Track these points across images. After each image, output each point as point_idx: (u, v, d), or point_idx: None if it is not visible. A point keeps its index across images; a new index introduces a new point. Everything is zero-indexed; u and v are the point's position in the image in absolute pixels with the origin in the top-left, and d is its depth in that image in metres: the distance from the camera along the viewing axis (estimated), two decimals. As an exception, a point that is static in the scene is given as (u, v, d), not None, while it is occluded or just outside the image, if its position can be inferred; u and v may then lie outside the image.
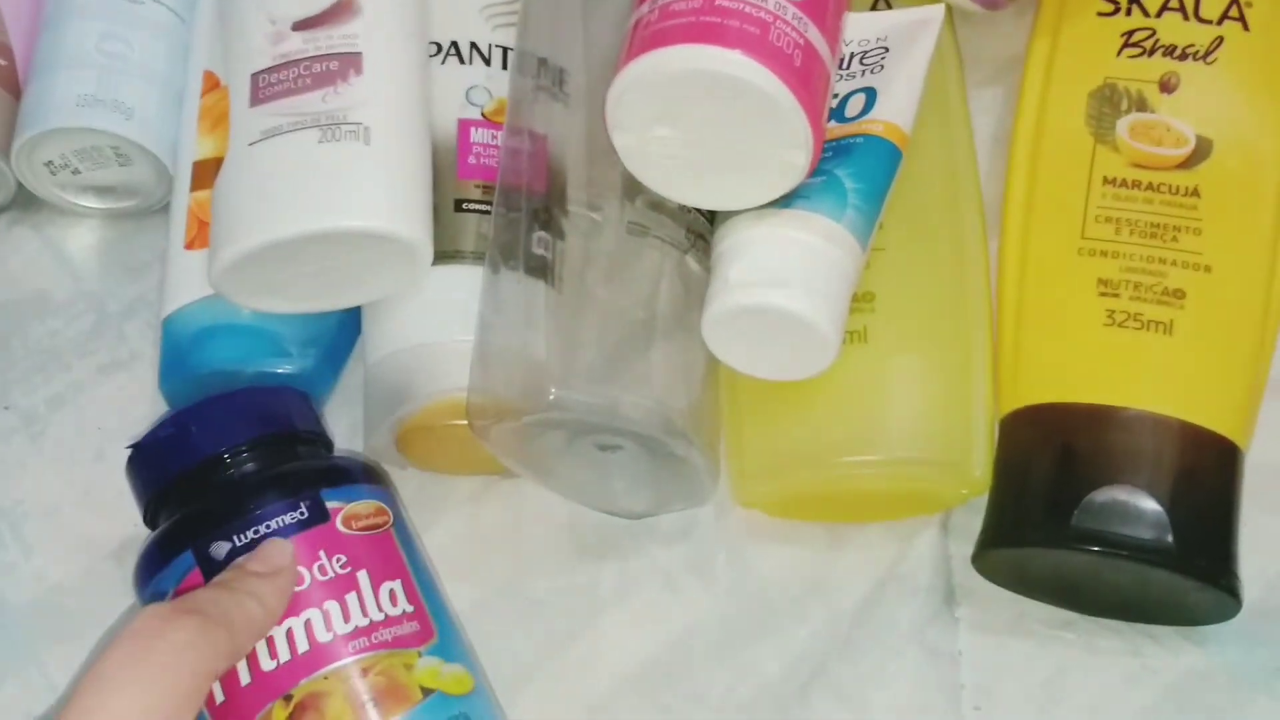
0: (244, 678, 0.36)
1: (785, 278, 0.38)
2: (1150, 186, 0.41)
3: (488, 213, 0.42)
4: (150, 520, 0.40)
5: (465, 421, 0.40)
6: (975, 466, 0.40)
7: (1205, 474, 0.39)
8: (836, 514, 0.43)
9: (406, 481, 0.43)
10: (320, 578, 0.37)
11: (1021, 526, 0.39)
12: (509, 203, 0.41)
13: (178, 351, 0.43)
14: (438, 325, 0.41)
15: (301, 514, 0.38)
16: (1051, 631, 0.41)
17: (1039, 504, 0.39)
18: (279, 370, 0.43)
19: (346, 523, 0.38)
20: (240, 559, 0.37)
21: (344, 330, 0.45)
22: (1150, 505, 0.38)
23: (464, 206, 0.42)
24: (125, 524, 0.44)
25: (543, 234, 0.40)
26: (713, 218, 0.41)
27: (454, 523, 0.42)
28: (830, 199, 0.38)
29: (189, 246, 0.44)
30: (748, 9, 0.35)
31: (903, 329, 0.40)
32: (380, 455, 0.43)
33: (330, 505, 0.38)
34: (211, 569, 0.37)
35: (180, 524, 0.38)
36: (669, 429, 0.38)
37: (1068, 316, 0.40)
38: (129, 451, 0.40)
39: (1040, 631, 0.41)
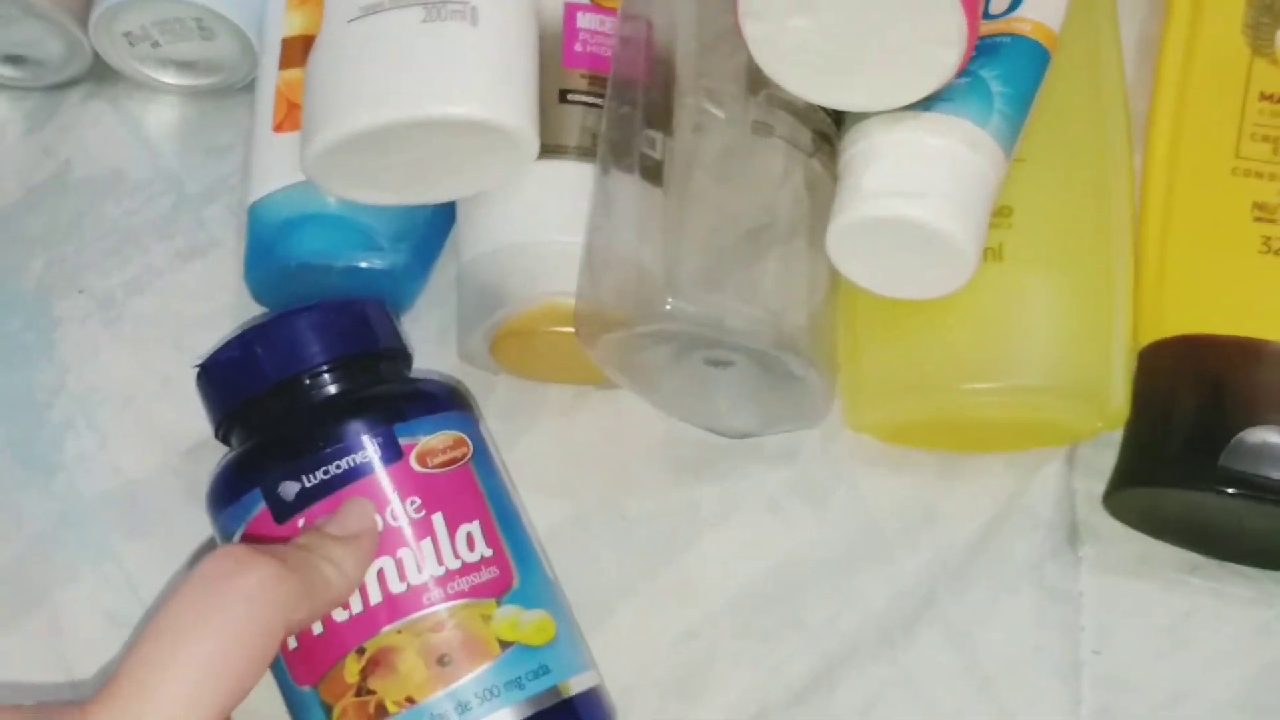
0: (316, 627, 0.35)
1: (924, 187, 0.35)
2: (1313, 104, 0.39)
3: (594, 105, 0.39)
4: (223, 436, 0.39)
5: (567, 328, 0.38)
6: (1112, 398, 0.38)
7: (1365, 417, 0.36)
8: (954, 443, 0.40)
9: (496, 388, 0.42)
10: (393, 523, 0.35)
11: (1163, 465, 0.37)
12: (622, 97, 0.38)
13: (264, 240, 0.41)
14: (539, 224, 0.39)
15: (373, 453, 0.36)
16: (1179, 575, 0.39)
17: (1182, 442, 0.37)
18: (369, 265, 0.41)
19: (421, 460, 0.36)
20: (320, 522, 0.35)
21: (437, 225, 0.43)
22: (1306, 448, 0.35)
23: (569, 98, 0.40)
24: (202, 417, 0.42)
25: (657, 134, 0.37)
26: (840, 119, 0.38)
27: (546, 434, 0.40)
28: (975, 102, 0.36)
29: (277, 129, 0.42)
30: (908, -114, 0.32)
31: (1040, 248, 0.38)
32: (473, 359, 0.41)
33: (404, 442, 0.36)
34: (281, 509, 0.35)
35: (249, 457, 0.37)
36: (786, 344, 0.36)
37: (1219, 242, 0.38)
38: (195, 370, 0.39)
39: (1167, 575, 0.39)
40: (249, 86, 0.45)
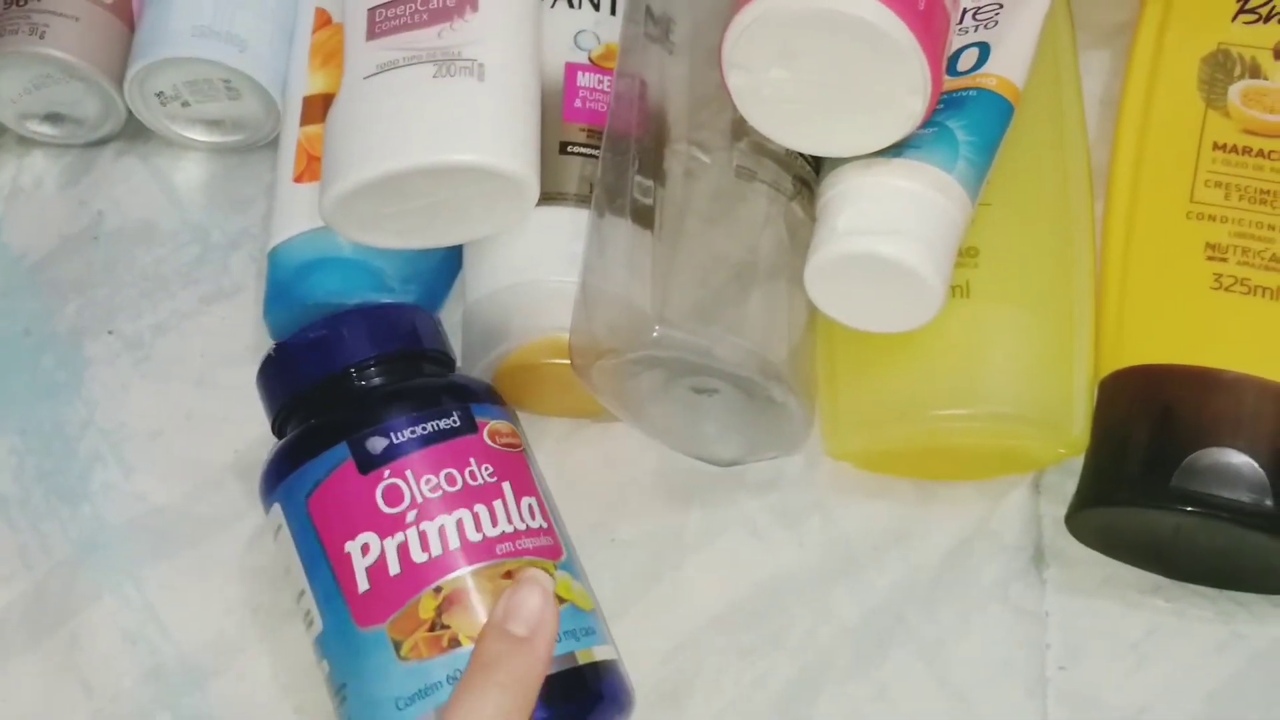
0: (393, 568, 0.37)
1: (894, 227, 0.38)
2: (1261, 153, 0.41)
3: (592, 156, 0.42)
4: (279, 427, 0.41)
5: (563, 360, 0.41)
6: (1074, 425, 0.40)
7: (1309, 440, 0.38)
8: (928, 471, 0.43)
9: (500, 419, 0.44)
10: (471, 483, 0.38)
11: (1119, 486, 0.39)
12: (616, 148, 0.41)
13: (283, 282, 0.44)
14: (539, 264, 0.42)
15: (454, 421, 0.39)
16: (1141, 596, 0.41)
17: (1138, 464, 0.39)
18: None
19: (492, 437, 0.39)
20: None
21: (445, 268, 0.45)
22: (1251, 468, 0.37)
23: (569, 149, 0.43)
24: (225, 450, 0.45)
25: (647, 181, 0.40)
26: (819, 166, 0.41)
27: (544, 461, 0.42)
28: (942, 149, 0.38)
29: (298, 180, 0.45)
30: (873, -48, 0.35)
31: (1005, 285, 0.40)
32: (476, 392, 0.44)
33: (479, 419, 0.39)
34: (368, 463, 0.38)
35: (331, 421, 0.39)
36: (767, 371, 0.39)
37: (1174, 279, 0.40)
38: (270, 351, 0.41)
39: (1129, 595, 0.41)
40: (272, 143, 0.47)
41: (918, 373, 0.40)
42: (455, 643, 0.36)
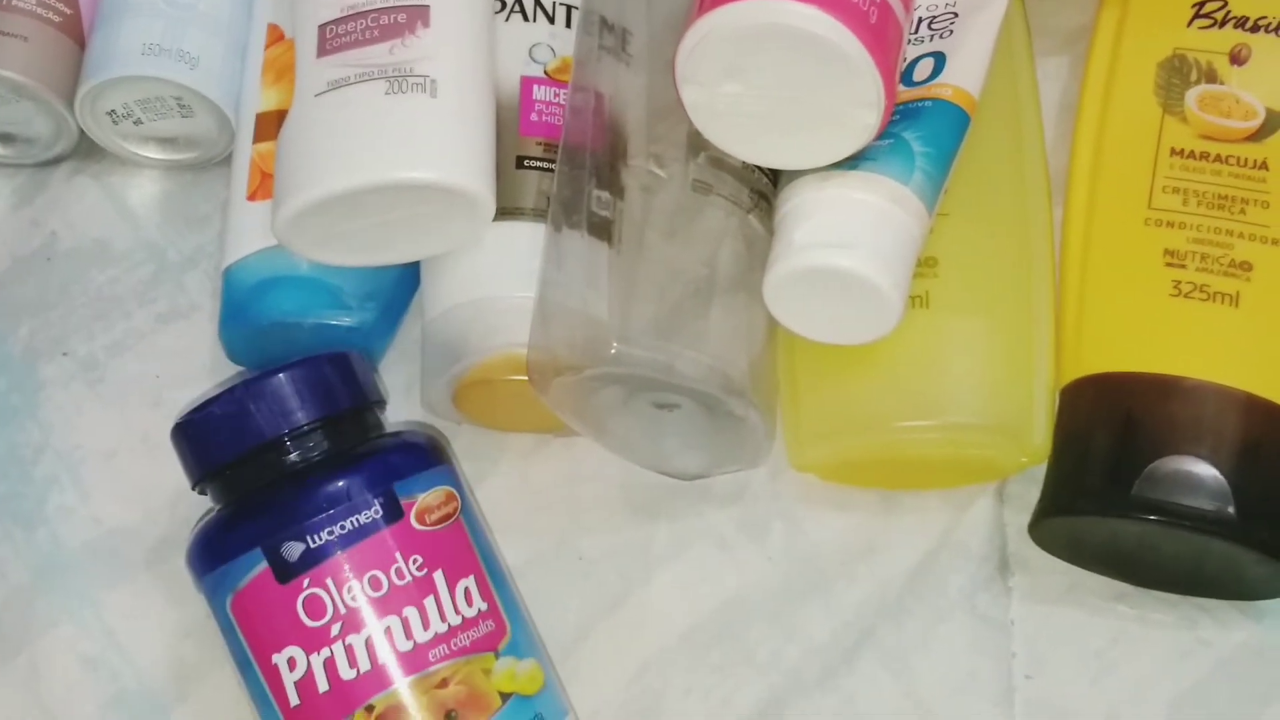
0: (321, 685, 0.36)
1: (851, 240, 0.37)
2: (1218, 158, 0.41)
3: (549, 170, 0.42)
4: (200, 489, 0.40)
5: (522, 377, 0.40)
6: (1035, 434, 0.40)
7: (1268, 446, 0.38)
8: (892, 481, 0.42)
9: (460, 436, 0.44)
10: (398, 582, 0.36)
11: (1081, 495, 0.39)
12: (572, 161, 0.41)
13: (238, 301, 0.44)
14: (497, 280, 0.41)
15: (376, 513, 0.37)
16: (1105, 603, 0.41)
17: (1099, 473, 0.39)
18: (338, 322, 0.43)
19: (420, 518, 0.37)
20: None
21: (402, 285, 0.45)
22: (1212, 476, 0.37)
23: (525, 164, 0.42)
24: (181, 471, 0.44)
25: (605, 194, 0.40)
26: (776, 179, 0.41)
27: (507, 478, 0.42)
28: (898, 162, 0.38)
29: (251, 198, 0.44)
30: (825, -36, 0.35)
31: (965, 295, 0.40)
32: (436, 410, 0.43)
33: (404, 501, 0.37)
34: (285, 570, 0.36)
35: (245, 516, 0.37)
36: (727, 386, 0.38)
37: (1133, 286, 0.40)
38: (175, 425, 0.40)
39: (1094, 603, 0.41)
40: (226, 160, 0.47)
41: (879, 384, 0.40)
42: None
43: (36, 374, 0.46)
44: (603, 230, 0.39)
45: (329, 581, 0.36)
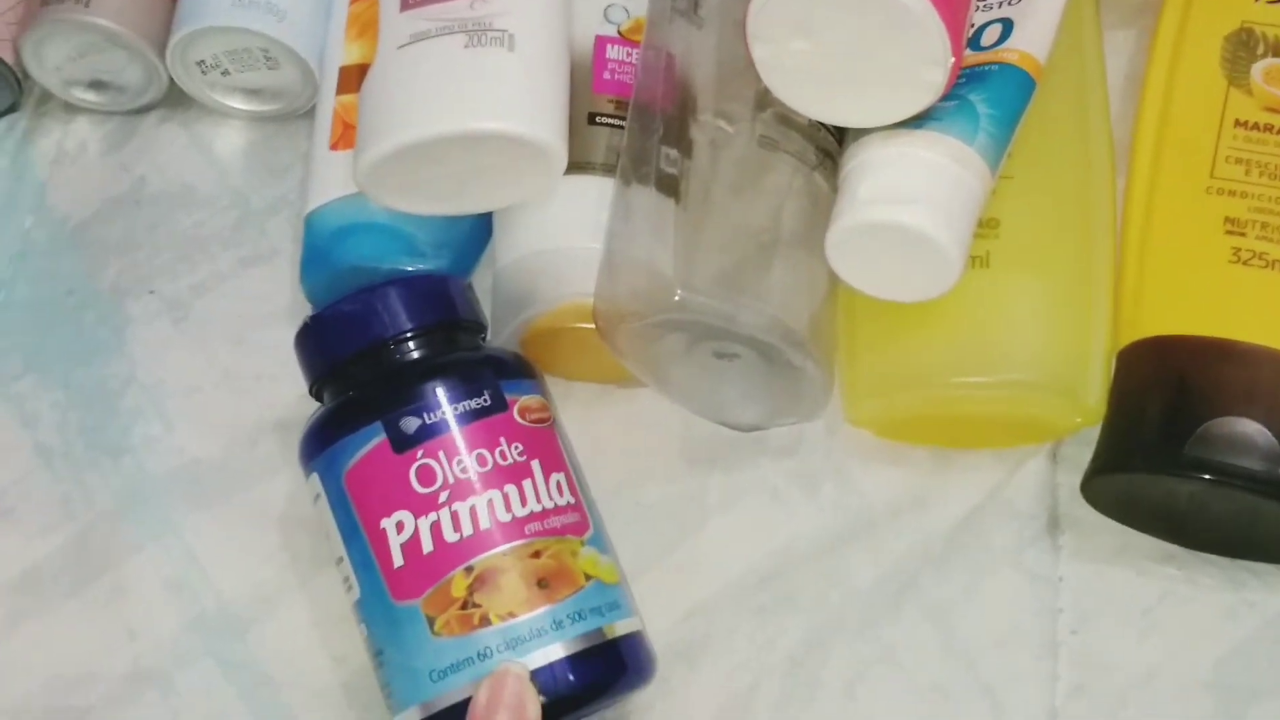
0: (426, 546, 0.38)
1: (914, 196, 0.38)
2: (1282, 130, 0.42)
3: (619, 127, 0.43)
4: (316, 393, 0.42)
5: (589, 325, 0.41)
6: (1090, 394, 0.41)
7: (1321, 412, 0.39)
8: (946, 438, 0.43)
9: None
10: (501, 463, 0.39)
11: (1134, 453, 0.40)
12: (642, 118, 0.42)
13: (318, 247, 0.45)
14: (567, 232, 0.43)
15: (485, 401, 0.40)
16: (1154, 564, 0.42)
17: (1153, 432, 0.39)
18: (413, 268, 0.45)
19: (522, 414, 0.40)
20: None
21: (475, 235, 0.46)
22: (1264, 437, 0.38)
23: (597, 120, 0.43)
24: (261, 406, 0.46)
25: (673, 151, 0.41)
26: (841, 137, 0.42)
27: (570, 426, 0.43)
28: (962, 122, 0.39)
29: (333, 147, 0.46)
30: (895, -77, 0.36)
31: (1025, 256, 0.41)
32: (504, 356, 0.45)
33: (508, 397, 0.40)
34: (402, 442, 0.39)
35: (367, 396, 0.40)
36: (787, 336, 0.39)
37: (1193, 253, 0.41)
38: (306, 321, 0.42)
39: (1142, 564, 0.42)
40: (309, 113, 0.48)
41: (937, 340, 0.41)
42: (486, 621, 0.38)
43: (123, 310, 0.48)
44: (670, 186, 0.40)
45: (441, 454, 0.39)
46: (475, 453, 0.39)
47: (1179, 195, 0.42)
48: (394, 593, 0.39)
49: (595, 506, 0.41)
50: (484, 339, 0.44)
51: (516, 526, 0.38)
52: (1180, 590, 0.41)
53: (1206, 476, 0.38)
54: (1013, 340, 0.41)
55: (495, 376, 0.40)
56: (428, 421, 0.39)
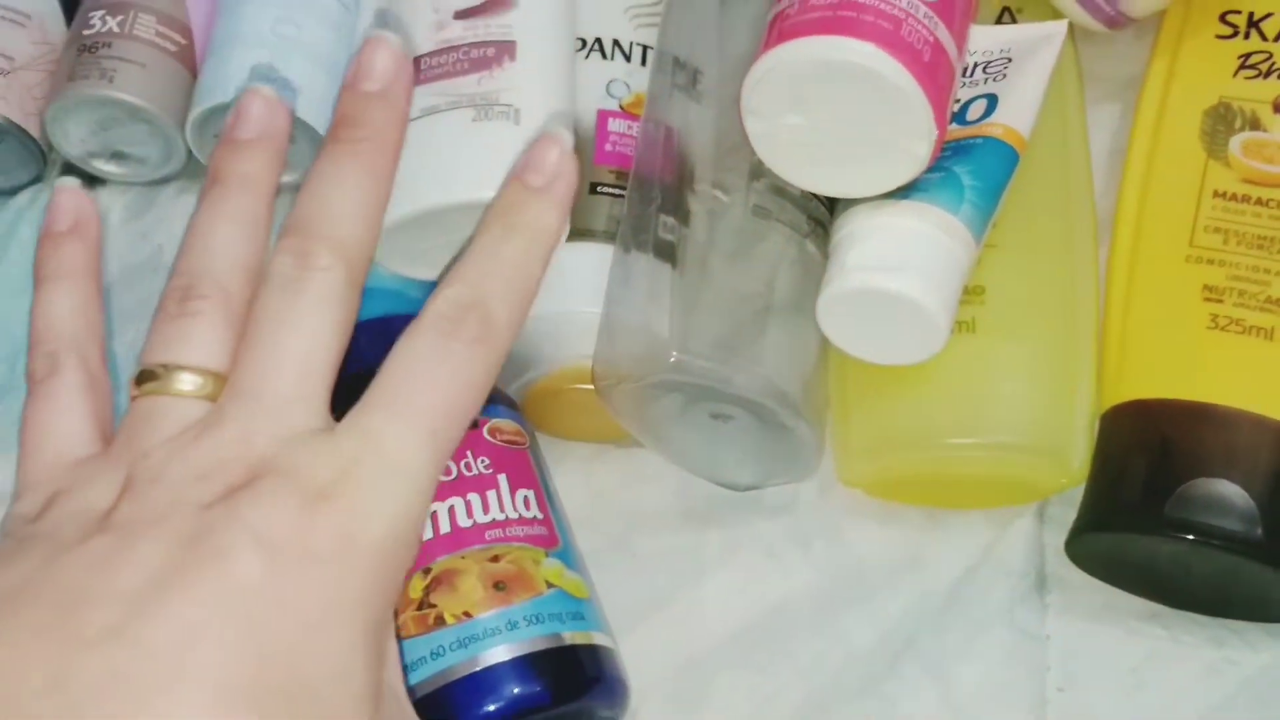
0: None
1: (900, 264, 0.40)
2: (1259, 201, 0.43)
3: (619, 196, 0.45)
4: None
5: (589, 386, 0.43)
6: (1075, 456, 0.42)
7: (1298, 474, 0.40)
8: (936, 499, 0.44)
9: (528, 441, 0.46)
10: (466, 473, 0.40)
11: (1116, 513, 0.41)
12: (642, 188, 0.43)
13: (328, 309, 0.47)
14: (568, 296, 0.44)
15: None
16: (1139, 622, 0.42)
17: (1134, 493, 0.40)
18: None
19: (492, 433, 0.41)
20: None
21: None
22: (1242, 499, 0.39)
23: (598, 190, 0.45)
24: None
25: (670, 219, 0.42)
26: (833, 207, 0.43)
27: (570, 478, 0.45)
28: (947, 193, 0.41)
29: (344, 214, 0.47)
30: (882, 5, 0.38)
31: (1010, 322, 0.42)
32: (507, 417, 0.46)
33: (480, 418, 0.42)
34: None
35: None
36: (780, 398, 0.41)
37: (1173, 319, 0.42)
38: None
39: (1128, 622, 0.42)
40: (322, 182, 0.51)
41: (927, 403, 0.42)
42: (441, 621, 0.38)
43: (139, 375, 0.50)
44: (667, 253, 0.42)
45: None
46: None
47: (1160, 263, 0.43)
48: None
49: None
50: None
51: (477, 532, 0.40)
52: (1165, 648, 0.42)
53: (1186, 536, 0.39)
54: (999, 403, 0.42)
55: None
56: None
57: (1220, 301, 0.42)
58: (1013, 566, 0.43)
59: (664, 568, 0.44)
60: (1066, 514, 0.43)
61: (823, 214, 0.43)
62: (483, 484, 0.40)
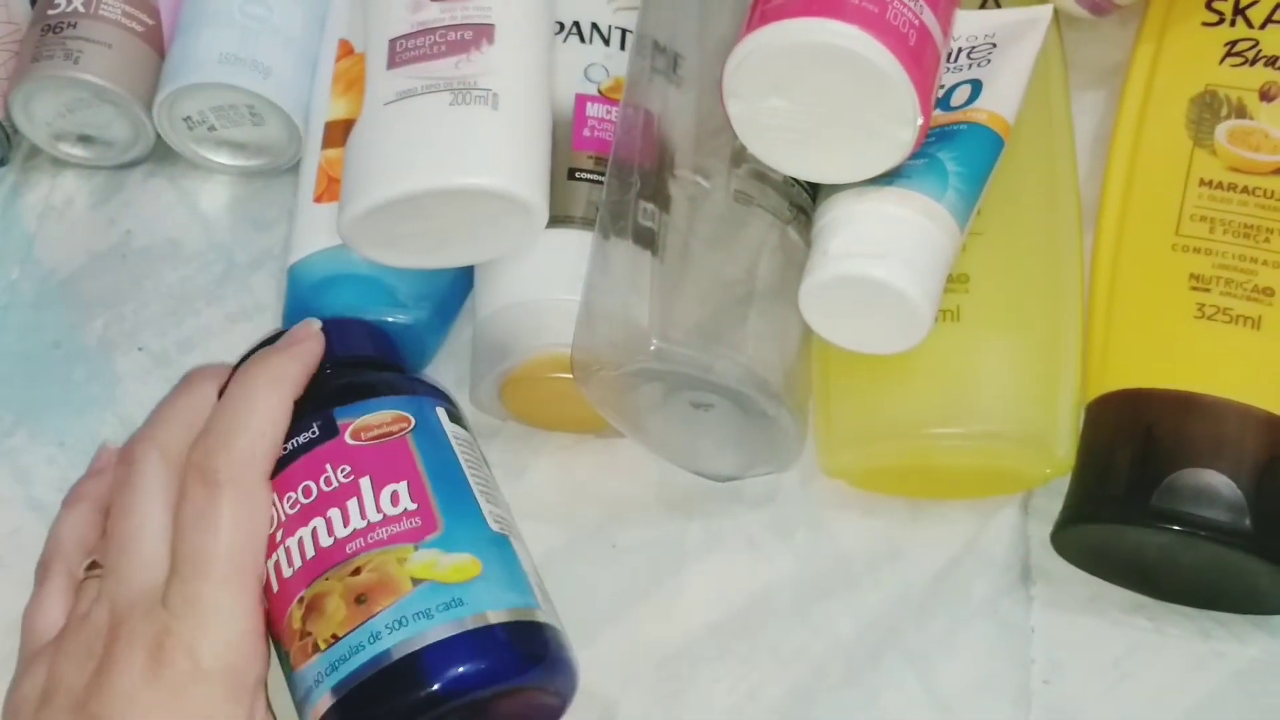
0: (274, 585, 0.39)
1: (884, 251, 0.39)
2: (1245, 190, 0.43)
3: (598, 182, 0.44)
4: None
5: (567, 375, 0.42)
6: (1059, 445, 0.42)
7: (1285, 464, 0.39)
8: (919, 489, 0.44)
9: (506, 430, 0.46)
10: (325, 489, 0.39)
11: (1102, 504, 0.40)
12: (621, 174, 0.43)
13: (301, 296, 0.46)
14: (546, 284, 0.43)
15: (314, 433, 0.40)
16: (1124, 614, 0.42)
17: (1120, 484, 0.40)
18: (393, 319, 0.45)
19: (355, 435, 0.40)
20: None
21: (456, 287, 0.47)
22: (1230, 489, 0.39)
23: (577, 175, 0.44)
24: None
25: (650, 205, 0.42)
26: (815, 193, 0.43)
27: (548, 469, 0.44)
28: (932, 179, 0.40)
29: (318, 200, 0.46)
30: (866, -13, 0.37)
31: (995, 310, 0.42)
32: (484, 407, 0.45)
33: (341, 422, 0.40)
34: None
35: None
36: (761, 387, 0.40)
37: (1159, 308, 0.42)
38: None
39: (1113, 614, 0.42)
40: (294, 168, 0.49)
41: (910, 393, 0.42)
42: (316, 648, 0.38)
43: (113, 366, 0.49)
44: (647, 239, 0.41)
45: (280, 493, 0.40)
46: (302, 485, 0.40)
47: (1146, 252, 0.43)
48: (273, 633, 0.40)
49: (471, 508, 0.40)
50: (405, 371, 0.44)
51: (338, 548, 0.39)
52: (1150, 641, 0.42)
53: (1173, 528, 0.39)
54: (983, 392, 0.41)
55: (328, 405, 0.41)
56: (281, 453, 0.40)
57: (1207, 290, 0.41)
58: (997, 558, 0.43)
59: (644, 559, 0.44)
60: (1052, 505, 0.42)
61: (805, 200, 0.43)
62: (342, 495, 0.39)
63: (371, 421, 0.41)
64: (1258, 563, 0.39)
